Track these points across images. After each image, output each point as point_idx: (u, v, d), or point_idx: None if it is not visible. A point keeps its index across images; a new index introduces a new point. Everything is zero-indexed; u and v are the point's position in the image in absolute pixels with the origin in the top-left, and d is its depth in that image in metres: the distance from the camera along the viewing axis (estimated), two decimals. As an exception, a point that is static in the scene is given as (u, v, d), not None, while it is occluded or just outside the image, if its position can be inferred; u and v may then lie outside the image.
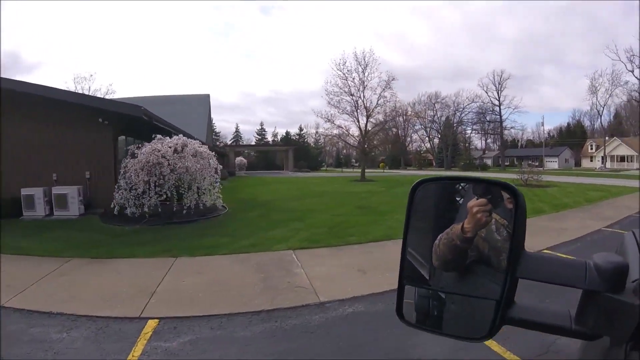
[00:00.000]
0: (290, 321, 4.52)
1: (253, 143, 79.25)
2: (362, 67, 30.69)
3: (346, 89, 30.71)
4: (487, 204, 0.74)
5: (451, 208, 0.84)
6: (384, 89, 30.41)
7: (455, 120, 79.08)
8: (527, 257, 0.71)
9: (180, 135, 11.26)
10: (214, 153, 11.73)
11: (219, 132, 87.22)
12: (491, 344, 3.70)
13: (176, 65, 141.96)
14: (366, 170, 30.76)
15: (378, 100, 30.68)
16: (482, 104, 75.05)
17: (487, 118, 75.92)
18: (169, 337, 4.13)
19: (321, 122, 31.88)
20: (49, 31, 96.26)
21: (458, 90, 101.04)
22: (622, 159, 65.99)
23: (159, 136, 10.82)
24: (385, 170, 61.37)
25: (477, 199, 0.75)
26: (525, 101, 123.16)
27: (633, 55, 43.43)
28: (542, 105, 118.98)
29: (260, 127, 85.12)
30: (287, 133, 75.57)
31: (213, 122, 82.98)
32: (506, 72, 77.79)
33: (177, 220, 10.27)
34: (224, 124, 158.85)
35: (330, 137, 35.34)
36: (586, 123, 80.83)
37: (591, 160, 69.87)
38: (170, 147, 10.36)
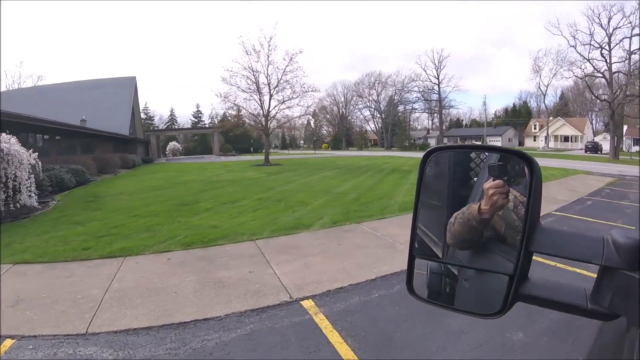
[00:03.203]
0: None
1: (187, 127, 74.10)
2: (267, 40, 26.74)
3: (247, 65, 26.83)
4: (504, 185, 0.70)
5: (465, 184, 0.80)
6: (288, 63, 26.64)
7: (397, 99, 77.21)
8: (543, 230, 0.67)
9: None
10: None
11: (153, 117, 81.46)
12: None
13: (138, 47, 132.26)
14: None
15: (282, 76, 26.94)
16: (423, 82, 73.46)
17: (431, 97, 74.35)
18: None
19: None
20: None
21: (398, 69, 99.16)
22: (566, 138, 66.05)
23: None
24: (317, 152, 58.63)
25: (493, 180, 0.71)
26: (477, 82, 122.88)
27: (577, 30, 40.85)
28: (494, 85, 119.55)
29: (196, 109, 79.71)
30: (224, 115, 70.56)
31: (147, 105, 78.29)
32: (460, 53, 76.20)
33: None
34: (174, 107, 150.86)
35: (229, 117, 31.34)
36: (533, 104, 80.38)
37: (534, 140, 69.39)
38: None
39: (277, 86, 27.12)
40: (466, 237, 0.74)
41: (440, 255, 0.79)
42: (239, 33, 40.38)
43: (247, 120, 29.46)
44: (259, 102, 27.51)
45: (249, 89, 27.03)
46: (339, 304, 4.05)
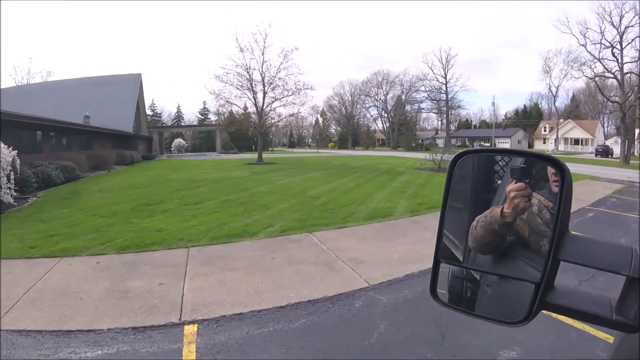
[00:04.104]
0: None
1: (193, 124, 74.08)
2: (263, 37, 26.22)
3: (241, 63, 26.37)
4: (526, 188, 0.69)
5: (489, 187, 0.78)
6: (283, 60, 26.13)
7: (404, 98, 76.00)
8: (572, 239, 0.66)
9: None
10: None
11: (160, 114, 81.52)
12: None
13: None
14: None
15: (277, 74, 26.41)
16: (430, 82, 72.22)
17: (440, 97, 73.07)
18: None
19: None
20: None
21: (406, 67, 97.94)
22: (576, 141, 64.32)
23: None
24: (320, 151, 58.11)
25: (515, 183, 0.70)
26: (488, 83, 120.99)
27: (587, 28, 39.11)
28: (504, 87, 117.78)
29: (203, 106, 79.32)
30: (230, 112, 70.44)
31: (154, 102, 78.47)
32: (471, 52, 75.05)
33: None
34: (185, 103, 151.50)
35: (236, 115, 30.70)
36: (544, 106, 78.42)
37: (544, 142, 67.61)
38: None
39: (271, 83, 26.62)
40: (488, 241, 0.71)
41: (461, 259, 0.77)
42: (242, 30, 40.04)
43: (252, 116, 28.83)
44: (253, 100, 27.06)
45: (242, 86, 26.58)
46: (222, 334, 3.50)
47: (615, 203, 11.19)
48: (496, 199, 0.72)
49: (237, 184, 14.79)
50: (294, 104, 26.86)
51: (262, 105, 27.19)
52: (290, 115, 28.95)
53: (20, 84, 58.70)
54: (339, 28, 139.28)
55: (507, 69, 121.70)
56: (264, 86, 26.72)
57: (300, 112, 28.47)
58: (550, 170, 0.70)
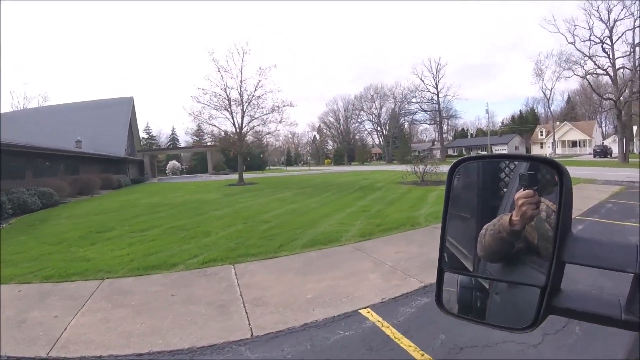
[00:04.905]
0: None
1: (184, 146, 74.14)
2: (241, 55, 26.14)
3: (219, 83, 26.31)
4: (534, 195, 0.68)
5: (495, 195, 0.78)
6: (260, 76, 25.95)
7: (398, 111, 75.65)
8: (575, 240, 0.66)
9: None
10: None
11: (155, 136, 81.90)
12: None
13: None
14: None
15: (254, 91, 26.25)
16: (422, 92, 71.92)
17: (434, 108, 72.59)
18: None
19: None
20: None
21: (397, 80, 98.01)
22: (574, 144, 63.71)
23: None
24: (312, 168, 57.79)
25: (524, 190, 0.69)
26: (484, 90, 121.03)
27: (575, 25, 38.63)
28: (502, 93, 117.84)
29: (197, 128, 79.59)
30: (225, 132, 70.44)
31: (148, 125, 79.08)
32: (466, 60, 74.90)
33: None
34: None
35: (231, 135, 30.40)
36: (540, 110, 77.91)
37: (541, 147, 67.01)
38: None
39: (250, 102, 26.45)
40: (497, 249, 0.71)
41: (471, 269, 0.77)
42: (220, 49, 40.14)
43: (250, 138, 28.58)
44: (232, 120, 26.86)
45: (219, 106, 26.41)
46: (69, 376, 3.24)
47: (611, 209, 10.21)
48: (503, 207, 0.72)
49: (199, 207, 14.37)
50: (272, 122, 26.68)
51: (241, 125, 26.98)
52: (268, 134, 28.78)
53: (16, 109, 59.94)
54: (333, 40, 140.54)
55: (503, 74, 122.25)
56: (242, 105, 26.54)
57: (278, 130, 28.22)
58: None
